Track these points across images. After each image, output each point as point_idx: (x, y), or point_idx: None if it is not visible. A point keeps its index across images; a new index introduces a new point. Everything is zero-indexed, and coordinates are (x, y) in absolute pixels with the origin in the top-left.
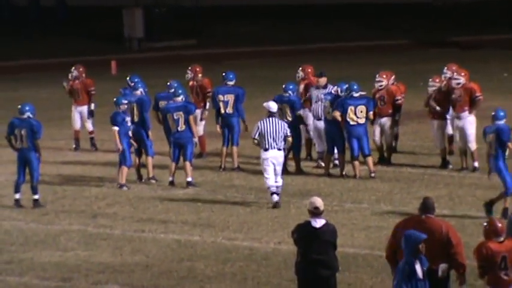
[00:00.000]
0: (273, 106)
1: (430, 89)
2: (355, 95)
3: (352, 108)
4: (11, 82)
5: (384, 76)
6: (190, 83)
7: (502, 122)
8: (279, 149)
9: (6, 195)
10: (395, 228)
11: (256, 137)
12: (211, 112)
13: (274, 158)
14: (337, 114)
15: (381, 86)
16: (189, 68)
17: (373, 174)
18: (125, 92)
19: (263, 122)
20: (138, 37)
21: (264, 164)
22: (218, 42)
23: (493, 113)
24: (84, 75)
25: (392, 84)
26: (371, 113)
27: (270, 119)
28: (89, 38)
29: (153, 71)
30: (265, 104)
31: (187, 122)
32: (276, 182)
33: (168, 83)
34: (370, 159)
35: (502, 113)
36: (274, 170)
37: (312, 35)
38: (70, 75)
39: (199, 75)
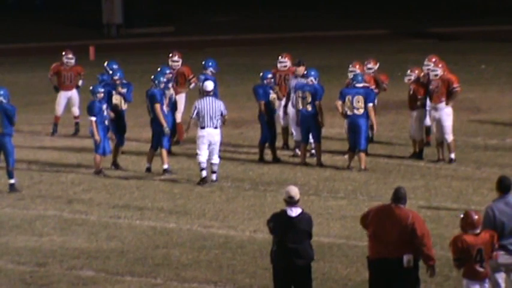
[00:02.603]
0: (209, 85)
1: (406, 79)
2: (358, 85)
3: (350, 97)
4: None
5: (357, 66)
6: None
7: None
8: (215, 127)
9: None
10: (368, 211)
11: (194, 116)
12: (191, 99)
13: (210, 135)
14: (338, 104)
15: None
16: (174, 54)
17: (363, 170)
18: (102, 78)
19: (200, 102)
20: (117, 23)
21: (199, 141)
22: (197, 30)
23: None
24: (74, 60)
25: (375, 71)
26: (370, 105)
27: (207, 98)
28: (67, 23)
29: (132, 57)
30: (202, 83)
31: (153, 111)
32: (212, 160)
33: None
34: (362, 155)
35: None
36: (210, 147)
37: (291, 24)
38: (65, 59)
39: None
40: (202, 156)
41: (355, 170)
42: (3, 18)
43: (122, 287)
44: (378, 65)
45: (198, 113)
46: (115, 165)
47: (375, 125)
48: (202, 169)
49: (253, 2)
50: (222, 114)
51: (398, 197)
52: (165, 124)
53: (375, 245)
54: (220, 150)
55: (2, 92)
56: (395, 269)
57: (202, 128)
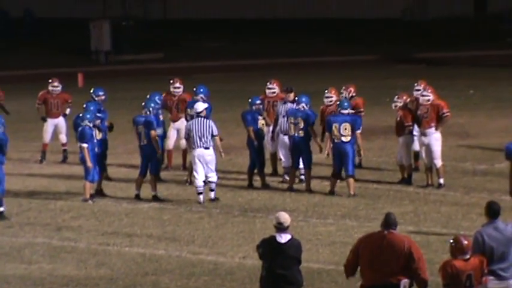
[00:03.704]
0: (200, 106)
1: (393, 105)
2: (343, 111)
3: (337, 125)
4: None
5: (333, 92)
6: (165, 95)
7: None
8: (206, 148)
9: None
10: (356, 244)
11: (185, 137)
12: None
13: (201, 156)
14: (327, 136)
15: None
16: (176, 80)
17: (352, 196)
18: (88, 107)
19: (190, 123)
20: (105, 50)
21: (192, 163)
22: (185, 56)
23: None
24: (60, 88)
25: (352, 97)
26: (358, 131)
27: (198, 119)
28: (56, 50)
29: (121, 84)
30: (195, 106)
31: (148, 137)
32: (208, 178)
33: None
34: (351, 180)
35: None
36: (204, 168)
37: (279, 50)
38: (50, 87)
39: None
40: (199, 180)
41: (344, 196)
42: None
43: None
44: (353, 90)
45: (188, 134)
46: (100, 193)
47: (363, 151)
48: (199, 193)
49: (241, 28)
50: (213, 135)
51: (390, 223)
52: (159, 150)
53: (370, 273)
54: (217, 170)
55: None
56: None
57: (193, 148)
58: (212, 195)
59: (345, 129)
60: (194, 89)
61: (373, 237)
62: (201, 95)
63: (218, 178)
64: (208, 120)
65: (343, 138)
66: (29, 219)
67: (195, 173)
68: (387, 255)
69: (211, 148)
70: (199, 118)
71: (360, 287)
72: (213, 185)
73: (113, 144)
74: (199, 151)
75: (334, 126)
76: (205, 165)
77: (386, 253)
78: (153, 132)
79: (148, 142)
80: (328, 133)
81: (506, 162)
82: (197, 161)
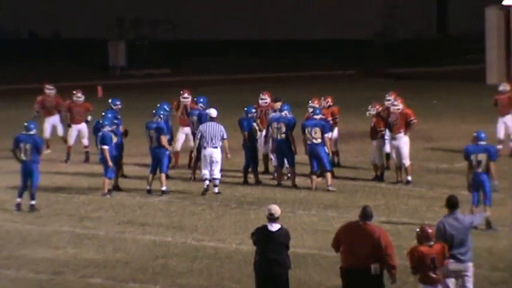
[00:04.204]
0: (213, 112)
1: (368, 113)
2: (316, 117)
3: (309, 129)
4: (12, 103)
5: (316, 102)
6: (176, 103)
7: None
8: (215, 147)
9: (8, 200)
10: (338, 232)
11: (198, 137)
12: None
13: (210, 154)
14: (302, 139)
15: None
16: (184, 91)
17: (330, 188)
18: (107, 115)
19: (204, 125)
20: (121, 66)
21: (202, 160)
22: (190, 71)
23: (476, 135)
24: (83, 98)
25: (330, 106)
26: (326, 135)
27: (211, 123)
28: (79, 65)
29: (134, 95)
30: (207, 111)
31: (158, 140)
32: (214, 175)
33: (158, 105)
34: (328, 175)
35: (483, 135)
36: (211, 164)
37: (270, 66)
38: (75, 97)
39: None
40: (206, 173)
41: (325, 191)
42: (20, 60)
43: None
44: (330, 100)
45: (201, 136)
46: (117, 188)
47: (330, 153)
48: (205, 179)
49: (237, 47)
50: (223, 138)
51: (366, 215)
52: (170, 149)
53: (347, 257)
54: (221, 170)
55: (32, 126)
56: (365, 276)
57: (204, 148)
58: (216, 189)
59: (315, 132)
60: (195, 99)
61: (351, 226)
62: (201, 104)
63: (222, 176)
64: (219, 125)
65: (314, 140)
66: (56, 211)
67: (203, 168)
68: (361, 243)
69: (219, 148)
70: (212, 122)
71: (339, 268)
72: (217, 181)
73: (128, 146)
74: (209, 150)
75: (307, 129)
76: (213, 162)
77: (361, 240)
78: (163, 138)
79: (159, 145)
80: (303, 135)
81: (464, 162)
82: (207, 158)
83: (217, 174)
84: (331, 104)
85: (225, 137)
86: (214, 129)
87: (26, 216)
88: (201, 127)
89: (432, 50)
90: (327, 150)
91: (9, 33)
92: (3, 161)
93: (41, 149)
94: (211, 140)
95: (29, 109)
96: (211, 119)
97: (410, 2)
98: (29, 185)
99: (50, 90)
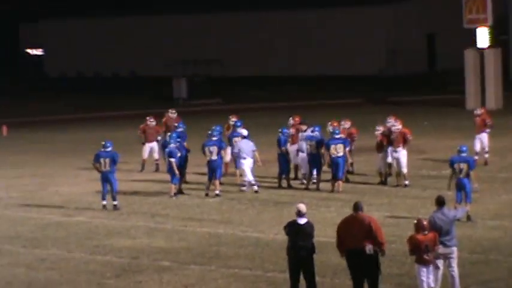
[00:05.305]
0: (245, 132)
1: (376, 133)
2: (336, 136)
3: (334, 146)
4: (100, 126)
5: (335, 124)
6: (227, 125)
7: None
8: (244, 158)
9: (94, 201)
10: (337, 229)
11: (236, 150)
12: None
13: (245, 163)
14: (325, 152)
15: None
16: (233, 116)
17: (339, 192)
18: (172, 135)
19: (240, 142)
20: (183, 97)
21: (240, 167)
22: (237, 100)
23: (459, 148)
24: (154, 122)
25: (349, 128)
26: (347, 149)
27: (244, 139)
28: (150, 97)
29: (193, 120)
30: (239, 130)
31: (219, 153)
32: (252, 181)
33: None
34: (340, 182)
35: (464, 148)
36: (249, 169)
37: (299, 96)
38: (148, 122)
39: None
40: (248, 177)
41: (341, 192)
42: (101, 92)
43: (188, 273)
44: (350, 123)
45: (239, 150)
46: (180, 192)
47: (351, 162)
48: (250, 184)
49: (273, 81)
50: (253, 150)
51: (357, 208)
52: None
53: (347, 241)
54: (255, 176)
55: (109, 144)
56: (361, 255)
57: (243, 158)
58: (255, 187)
59: (339, 148)
60: (232, 123)
61: (347, 218)
62: (239, 127)
63: (257, 181)
64: (250, 141)
65: (338, 154)
66: (133, 210)
67: (245, 173)
68: (356, 228)
69: (249, 158)
70: (245, 139)
71: (344, 252)
72: (255, 187)
73: (190, 159)
74: (244, 161)
75: (332, 146)
76: (248, 168)
77: (355, 227)
78: (223, 152)
79: (214, 158)
80: (327, 151)
81: (449, 170)
82: (245, 166)
83: (251, 177)
84: (350, 126)
85: (254, 148)
86: (247, 145)
87: (110, 214)
88: (238, 144)
89: (423, 82)
90: (344, 161)
91: (94, 73)
92: (89, 171)
93: (117, 162)
94: (244, 153)
95: (133, 131)
96: (244, 137)
97: (407, 45)
98: (109, 189)
99: (151, 122)
